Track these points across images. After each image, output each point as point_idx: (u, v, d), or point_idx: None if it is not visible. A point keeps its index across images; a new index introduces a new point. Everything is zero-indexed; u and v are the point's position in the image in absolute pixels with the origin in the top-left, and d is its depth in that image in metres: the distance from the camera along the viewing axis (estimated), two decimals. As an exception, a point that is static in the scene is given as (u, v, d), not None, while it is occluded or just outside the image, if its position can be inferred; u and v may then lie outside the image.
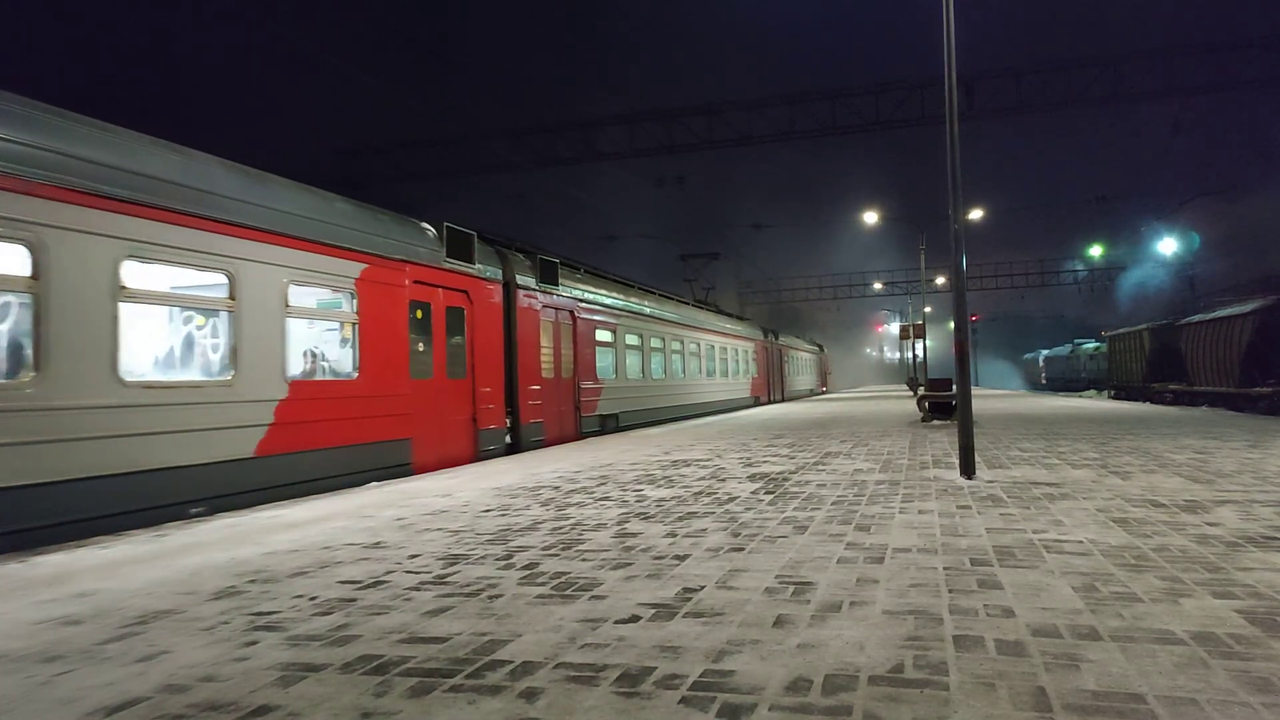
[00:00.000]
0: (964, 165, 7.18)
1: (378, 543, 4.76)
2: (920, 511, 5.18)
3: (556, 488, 7.00)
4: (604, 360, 15.35)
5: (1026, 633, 2.72)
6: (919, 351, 33.87)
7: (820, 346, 51.72)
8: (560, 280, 13.31)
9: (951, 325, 7.50)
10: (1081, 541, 4.11)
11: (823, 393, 47.04)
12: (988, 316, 75.32)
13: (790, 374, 37.25)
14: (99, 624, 3.23)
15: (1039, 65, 22.59)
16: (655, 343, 18.57)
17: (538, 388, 12.12)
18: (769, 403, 30.59)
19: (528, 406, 11.77)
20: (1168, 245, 38.79)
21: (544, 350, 12.47)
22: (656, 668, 2.52)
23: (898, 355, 78.85)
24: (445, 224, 10.05)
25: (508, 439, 11.17)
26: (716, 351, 24.29)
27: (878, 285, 54.81)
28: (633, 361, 17.11)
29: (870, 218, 30.60)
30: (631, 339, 16.94)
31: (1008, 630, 2.75)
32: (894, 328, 56.51)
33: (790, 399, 35.30)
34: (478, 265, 10.66)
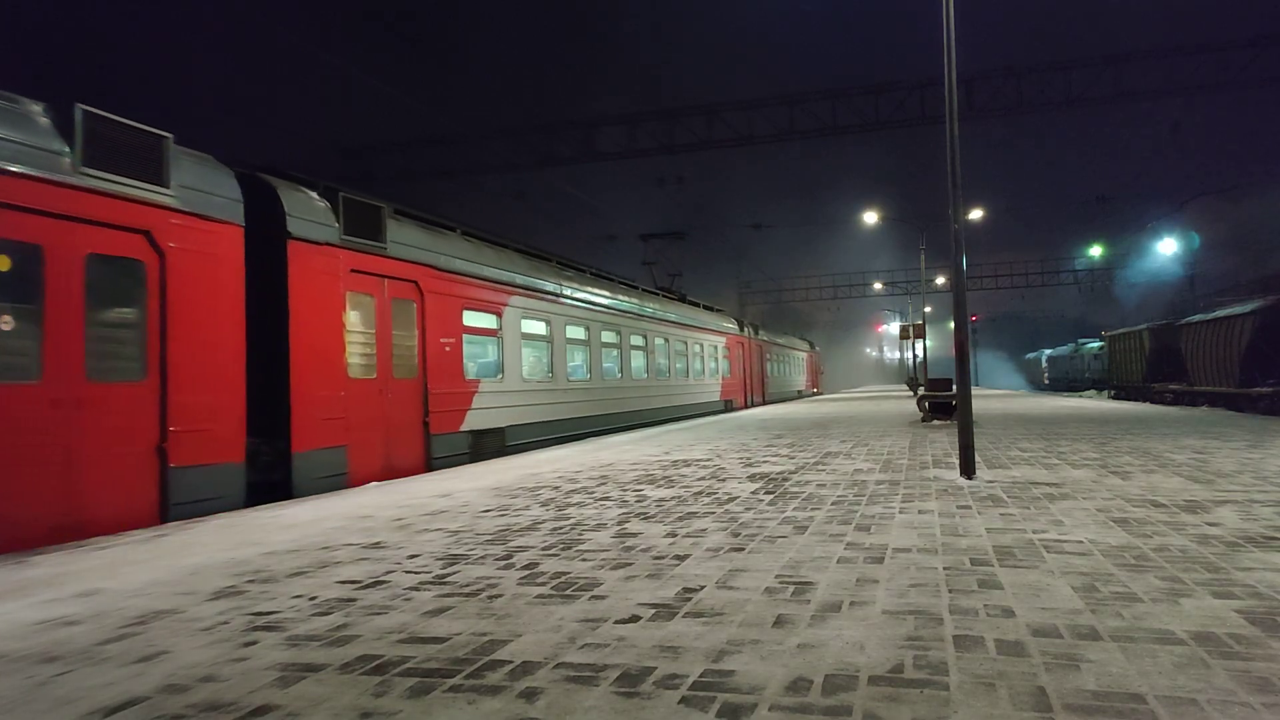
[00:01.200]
0: (964, 165, 7.18)
1: (377, 543, 4.76)
2: (920, 511, 5.18)
3: (556, 488, 6.99)
4: (480, 354, 11.39)
5: (1026, 633, 2.72)
6: (919, 351, 33.87)
7: (810, 344, 48.19)
8: (390, 236, 9.16)
9: (951, 325, 7.50)
10: (1081, 541, 4.11)
11: (813, 394, 44.31)
12: (987, 316, 75.46)
13: (773, 374, 33.36)
14: (98, 624, 3.23)
15: (1039, 65, 22.59)
16: (574, 332, 14.26)
17: (339, 395, 8.08)
18: (745, 407, 26.88)
19: (313, 425, 7.69)
20: (1168, 245, 38.82)
21: (355, 337, 8.46)
22: (656, 668, 2.52)
23: (897, 355, 78.93)
24: (80, 106, 5.89)
25: (253, 478, 7.11)
26: (671, 346, 19.82)
27: (878, 285, 54.87)
28: (534, 356, 12.96)
29: (870, 218, 30.58)
30: (532, 325, 12.65)
31: (1008, 630, 2.75)
32: (894, 328, 56.49)
33: (773, 401, 31.80)
34: (176, 190, 6.54)
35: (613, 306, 16.23)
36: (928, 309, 36.18)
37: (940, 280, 44.34)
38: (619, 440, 12.66)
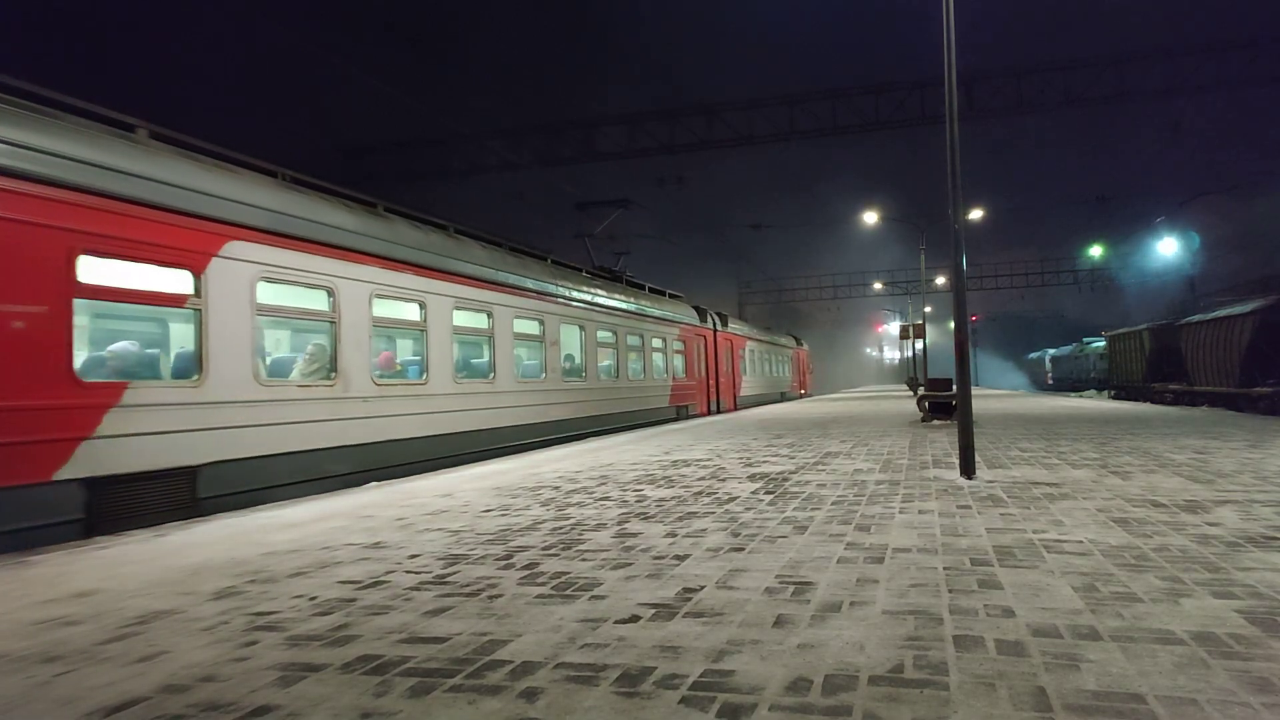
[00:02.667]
0: (964, 165, 7.18)
1: (378, 543, 4.76)
2: (920, 511, 5.18)
3: (556, 488, 7.00)
4: (143, 337, 7.48)
5: (1026, 633, 2.72)
6: (919, 351, 33.81)
7: (797, 339, 42.94)
8: None
9: (951, 325, 7.50)
10: (1081, 541, 4.11)
11: (800, 396, 39.58)
12: (987, 316, 75.52)
13: (747, 373, 28.58)
14: (98, 624, 3.23)
15: (1039, 65, 22.62)
16: (393, 310, 9.44)
17: None
18: (707, 413, 22.26)
19: None
20: (1168, 245, 38.82)
21: None
22: (656, 668, 2.52)
23: (897, 354, 78.90)
24: None
25: None
26: (588, 336, 14.97)
27: (878, 285, 54.91)
28: (309, 344, 8.55)
29: (870, 218, 30.60)
30: (287, 294, 7.96)
31: (1008, 630, 2.75)
32: (894, 328, 56.50)
33: (749, 406, 27.15)
34: None
35: (484, 278, 11.28)
36: (928, 309, 36.23)
37: (940, 280, 44.36)
38: (619, 440, 12.65)
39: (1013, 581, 3.38)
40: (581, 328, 14.75)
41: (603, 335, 15.70)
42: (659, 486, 6.85)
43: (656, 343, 18.91)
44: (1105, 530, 4.38)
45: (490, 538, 4.77)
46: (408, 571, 3.98)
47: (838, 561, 3.86)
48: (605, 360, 15.97)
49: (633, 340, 17.30)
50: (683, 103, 27.43)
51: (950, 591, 3.25)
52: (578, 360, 14.74)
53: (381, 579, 3.84)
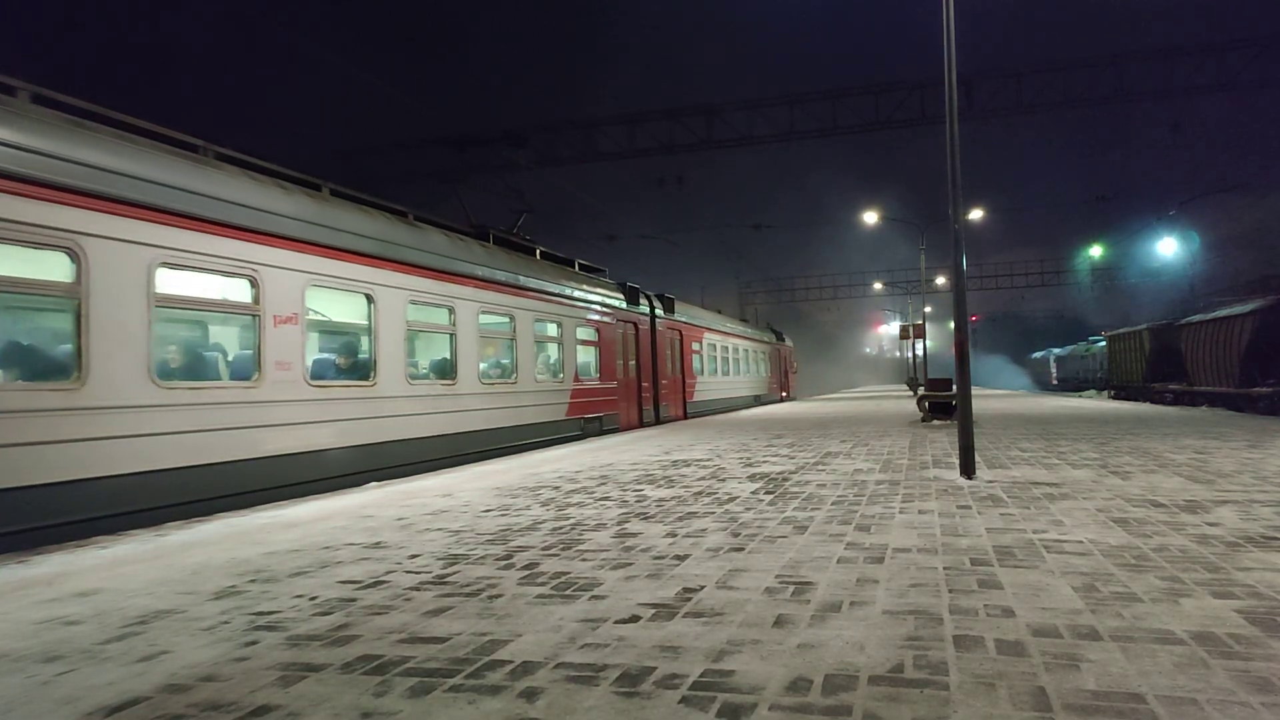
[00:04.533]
0: (964, 165, 7.18)
1: (378, 542, 4.76)
2: (920, 511, 5.18)
3: (556, 488, 7.00)
4: None
5: (1026, 633, 2.72)
6: (919, 351, 33.77)
7: (777, 334, 36.71)
8: None
9: (952, 325, 7.50)
10: (1081, 541, 4.11)
11: (781, 399, 34.40)
12: (987, 317, 75.60)
13: (704, 373, 23.11)
14: (99, 624, 3.23)
15: (1039, 65, 22.61)
16: None
17: None
18: (639, 424, 17.01)
19: None
20: (1168, 245, 38.82)
21: None
22: (656, 668, 2.52)
23: (897, 354, 78.86)
24: None
25: None
26: (382, 311, 9.02)
27: (878, 285, 54.94)
28: None
29: (870, 218, 30.59)
30: None
31: (1008, 630, 2.75)
32: (894, 328, 56.49)
33: (705, 413, 21.95)
34: None
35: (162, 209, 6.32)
36: (928, 309, 36.22)
37: (940, 280, 44.36)
38: (618, 440, 12.64)
39: (1013, 581, 3.38)
40: (370, 298, 8.93)
41: (429, 316, 10.16)
42: (659, 486, 6.85)
43: (547, 329, 13.36)
44: (1105, 530, 4.38)
45: (490, 538, 4.77)
46: (408, 571, 3.98)
47: (838, 561, 3.86)
48: (436, 353, 10.69)
49: (493, 323, 11.64)
50: (683, 103, 27.40)
51: (950, 591, 3.26)
52: (364, 352, 8.99)
53: (382, 579, 3.84)
